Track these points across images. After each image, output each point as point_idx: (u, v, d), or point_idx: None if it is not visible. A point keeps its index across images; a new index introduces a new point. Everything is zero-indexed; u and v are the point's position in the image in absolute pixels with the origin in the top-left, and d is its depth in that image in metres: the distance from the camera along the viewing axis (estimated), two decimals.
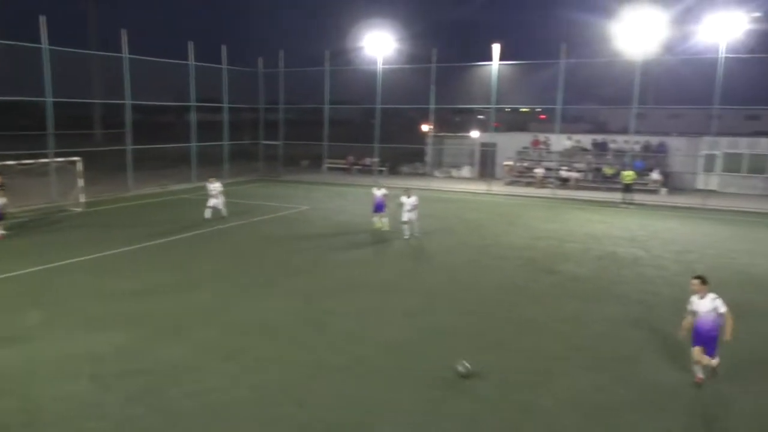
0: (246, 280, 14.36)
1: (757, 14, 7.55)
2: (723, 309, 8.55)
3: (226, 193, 22.51)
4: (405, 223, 18.75)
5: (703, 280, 8.81)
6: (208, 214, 21.60)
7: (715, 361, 8.62)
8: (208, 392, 8.55)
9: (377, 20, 36.02)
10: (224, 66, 34.47)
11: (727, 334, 8.44)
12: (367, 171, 38.71)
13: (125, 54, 28.15)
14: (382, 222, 20.39)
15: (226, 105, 35.00)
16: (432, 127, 37.57)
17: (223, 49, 34.30)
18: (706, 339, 8.63)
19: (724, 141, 32.11)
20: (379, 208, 20.32)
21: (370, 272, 15.32)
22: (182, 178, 32.96)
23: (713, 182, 31.06)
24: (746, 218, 24.13)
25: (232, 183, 34.03)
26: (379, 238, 19.38)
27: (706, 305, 8.63)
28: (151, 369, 9.28)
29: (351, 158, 41.13)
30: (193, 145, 32.74)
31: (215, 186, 22.09)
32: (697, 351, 8.63)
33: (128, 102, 28.83)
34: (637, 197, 27.58)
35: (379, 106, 35.04)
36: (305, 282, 14.32)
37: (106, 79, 33.64)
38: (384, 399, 8.39)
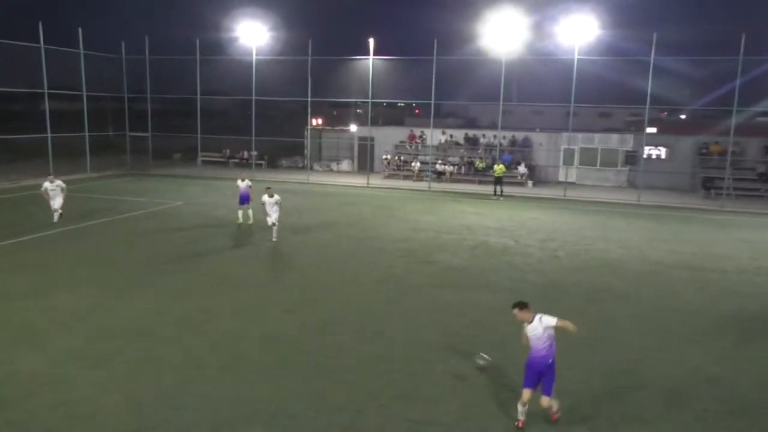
0: (114, 281, 13.43)
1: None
2: (553, 322, 7.65)
3: (88, 189, 20.81)
4: (272, 225, 17.87)
5: (522, 306, 7.85)
6: (56, 218, 19.29)
7: (554, 404, 7.76)
8: (74, 403, 7.91)
9: (251, 9, 35.08)
10: (81, 50, 31.81)
11: (571, 328, 7.66)
12: (244, 164, 37.67)
13: None
14: (247, 215, 20.25)
15: (84, 93, 32.36)
16: (320, 121, 37.29)
17: (80, 31, 31.67)
18: (543, 369, 7.64)
19: (580, 137, 34.94)
20: (244, 199, 20.14)
21: (248, 268, 14.96)
22: (38, 172, 30.03)
23: (572, 175, 33.70)
24: (601, 208, 26.45)
25: (98, 177, 31.74)
26: (252, 233, 18.95)
27: (537, 329, 7.67)
28: (4, 380, 8.42)
29: (227, 151, 39.83)
30: (48, 135, 29.89)
31: (53, 185, 19.22)
32: (527, 393, 7.63)
33: None
34: (506, 189, 29.28)
35: (254, 98, 34.18)
36: (179, 280, 13.66)
37: None
38: (266, 396, 8.23)
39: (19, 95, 39.90)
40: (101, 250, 16.29)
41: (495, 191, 28.61)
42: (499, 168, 29.03)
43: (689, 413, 8.18)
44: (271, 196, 18.02)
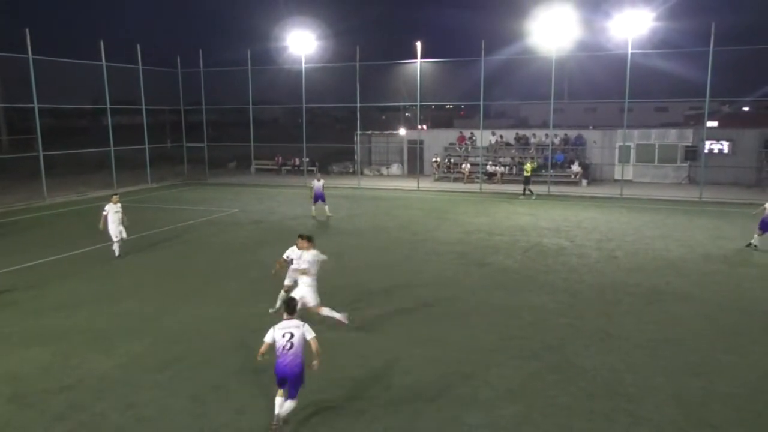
0: (176, 288, 13.90)
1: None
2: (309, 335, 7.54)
3: (149, 199, 21.01)
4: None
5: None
6: (117, 249, 16.62)
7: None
8: (141, 405, 8.23)
9: (299, 19, 35.66)
10: (140, 66, 33.12)
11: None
12: (296, 171, 38.35)
13: (30, 54, 26.52)
14: (323, 209, 22.89)
15: (144, 107, 33.65)
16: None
17: (138, 48, 32.98)
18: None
19: (636, 133, 33.93)
20: (318, 197, 22.94)
21: None
22: (102, 184, 31.53)
23: (629, 172, 32.75)
24: (659, 206, 25.60)
25: (157, 188, 32.91)
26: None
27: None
28: (75, 385, 8.84)
29: (279, 158, 40.60)
30: (111, 149, 31.25)
31: (117, 207, 16.64)
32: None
33: (36, 105, 27.19)
34: (560, 189, 28.68)
35: (304, 105, 34.72)
36: (238, 286, 14.01)
37: (8, 81, 31.69)
38: (324, 396, 8.34)
39: (84, 111, 41.80)
40: (163, 258, 16.89)
41: (524, 191, 28.22)
42: (527, 167, 28.66)
43: (762, 419, 7.82)
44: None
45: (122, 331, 11.13)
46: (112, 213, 16.49)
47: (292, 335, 7.50)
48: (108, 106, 31.13)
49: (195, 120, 38.77)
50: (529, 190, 28.12)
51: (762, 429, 7.60)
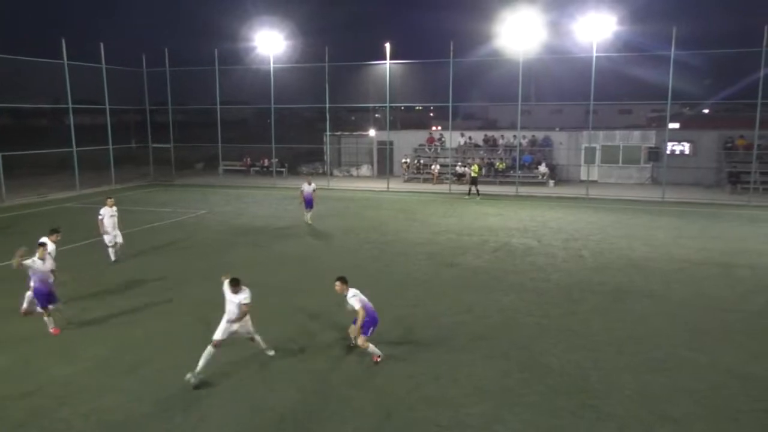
0: (140, 292, 13.63)
1: None
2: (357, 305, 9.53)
3: (114, 201, 19.47)
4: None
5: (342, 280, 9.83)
6: (112, 254, 16.23)
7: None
8: (106, 411, 8.05)
9: (267, 18, 35.32)
10: (103, 65, 32.38)
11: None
12: (265, 172, 38.03)
13: None
14: (307, 216, 21.56)
15: (107, 106, 32.90)
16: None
17: (101, 46, 32.25)
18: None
19: (602, 134, 34.57)
20: (308, 203, 21.51)
21: (272, 275, 15.04)
22: (65, 185, 30.75)
23: (594, 173, 33.35)
24: (624, 206, 26.12)
25: (123, 189, 32.24)
26: (277, 239, 19.07)
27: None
28: (36, 391, 8.61)
29: (248, 159, 40.20)
30: (74, 149, 30.48)
31: (113, 210, 16.02)
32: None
33: None
34: (528, 190, 29.00)
35: (273, 106, 34.44)
36: (205, 289, 13.79)
37: None
38: (291, 401, 8.27)
39: (45, 111, 40.72)
40: (127, 261, 16.53)
41: (470, 191, 28.61)
42: (474, 169, 29.16)
43: (723, 413, 8.04)
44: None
45: (86, 335, 10.87)
46: (108, 217, 15.84)
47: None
48: (70, 105, 30.34)
49: (161, 120, 38.08)
50: (476, 191, 28.48)
51: (722, 423, 7.80)
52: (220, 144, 36.47)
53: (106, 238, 15.96)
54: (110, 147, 33.07)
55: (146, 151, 37.41)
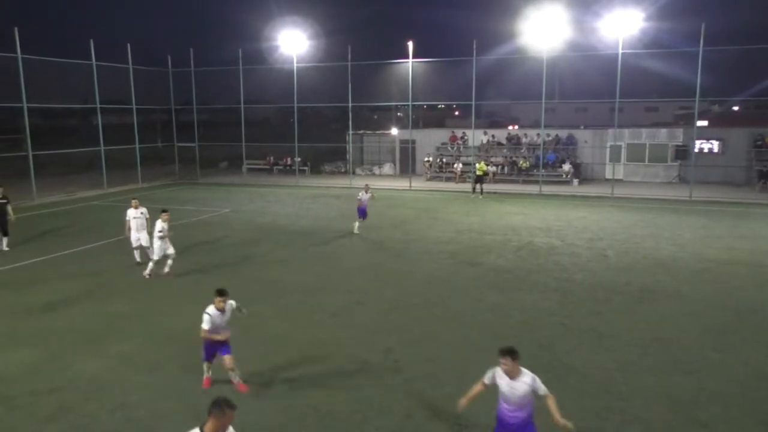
0: (166, 288, 13.82)
1: None
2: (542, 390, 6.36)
3: (140, 200, 19.23)
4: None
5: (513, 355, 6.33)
6: (137, 255, 15.88)
7: None
8: (131, 406, 8.18)
9: (290, 18, 35.59)
10: (130, 65, 32.91)
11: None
12: (288, 171, 38.29)
13: (19, 54, 26.29)
14: (354, 225, 19.75)
15: (134, 106, 33.43)
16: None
17: (128, 47, 32.77)
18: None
19: (627, 132, 34.08)
20: (362, 212, 19.71)
21: (295, 273, 15.13)
22: (93, 184, 31.35)
23: (619, 172, 32.89)
24: (650, 205, 25.73)
25: (149, 188, 32.74)
26: (300, 238, 19.18)
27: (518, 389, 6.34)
28: (65, 386, 8.78)
29: (271, 158, 40.49)
30: (101, 148, 31.05)
31: (137, 212, 15.61)
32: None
33: (25, 105, 26.95)
34: (552, 189, 28.73)
35: (296, 105, 34.63)
36: (228, 285, 13.87)
37: None
38: (313, 400, 8.31)
39: (74, 111, 41.52)
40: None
41: (474, 189, 28.42)
42: (480, 167, 28.89)
43: (752, 416, 7.86)
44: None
45: (113, 331, 11.06)
46: (132, 219, 15.51)
47: None
48: (98, 105, 30.91)
49: (186, 119, 38.56)
50: (480, 189, 28.28)
51: (751, 427, 7.64)
52: (243, 143, 36.83)
53: (132, 239, 15.66)
54: (137, 146, 33.60)
55: (172, 150, 37.94)
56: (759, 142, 31.18)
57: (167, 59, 36.57)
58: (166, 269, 14.69)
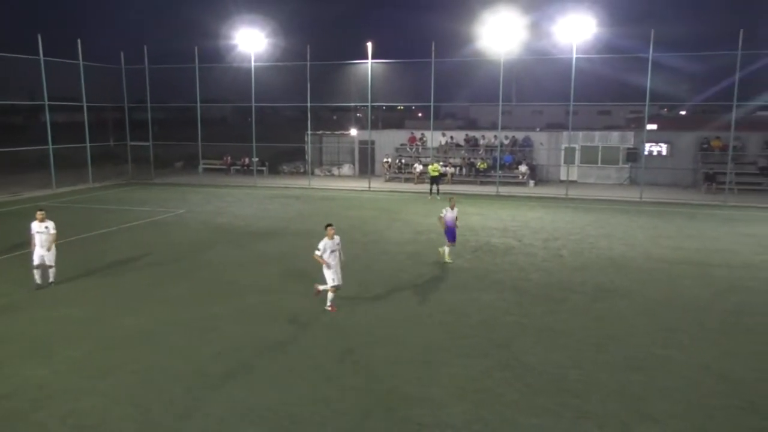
0: (118, 291, 13.44)
1: None
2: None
3: (90, 200, 18.16)
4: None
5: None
6: (36, 276, 13.60)
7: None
8: (82, 413, 7.91)
9: (248, 16, 35.09)
10: (81, 61, 31.88)
11: None
12: (246, 171, 37.78)
13: None
14: (445, 251, 16.11)
15: (85, 103, 32.40)
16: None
17: (79, 42, 31.74)
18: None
19: (581, 135, 34.91)
20: (450, 234, 15.95)
21: (252, 275, 14.94)
22: (40, 184, 30.24)
23: (574, 173, 33.65)
24: (603, 206, 26.40)
25: (100, 188, 31.83)
26: (258, 239, 18.95)
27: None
28: (11, 394, 8.43)
29: (228, 158, 39.88)
30: (50, 147, 29.97)
31: (41, 226, 13.45)
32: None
33: None
34: (509, 190, 29.14)
35: (254, 104, 34.21)
36: (183, 288, 13.66)
37: None
38: (272, 402, 8.22)
39: (20, 108, 40.02)
40: (105, 261, 16.29)
41: (431, 191, 28.78)
42: (434, 168, 29.36)
43: (699, 411, 8.14)
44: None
45: (61, 337, 10.69)
46: (36, 234, 13.45)
47: None
48: (46, 102, 29.85)
49: (140, 118, 37.61)
50: (437, 190, 28.62)
51: (699, 420, 7.91)
52: (200, 142, 36.10)
53: (35, 256, 13.50)
54: (87, 145, 32.56)
55: (125, 150, 36.92)
56: (705, 146, 32.40)
57: (120, 56, 35.63)
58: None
